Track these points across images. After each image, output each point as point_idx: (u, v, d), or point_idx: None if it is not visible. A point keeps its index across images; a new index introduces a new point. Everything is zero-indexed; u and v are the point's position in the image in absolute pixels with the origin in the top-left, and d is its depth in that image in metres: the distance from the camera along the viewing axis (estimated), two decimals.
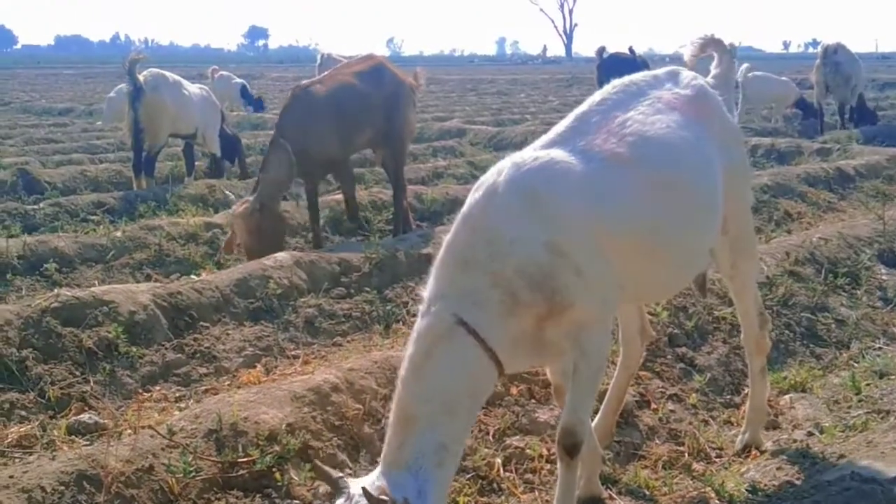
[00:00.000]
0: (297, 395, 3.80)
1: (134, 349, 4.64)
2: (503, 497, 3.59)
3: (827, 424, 4.08)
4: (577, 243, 2.80)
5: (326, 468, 2.68)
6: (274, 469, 3.41)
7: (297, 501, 3.40)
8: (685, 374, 4.70)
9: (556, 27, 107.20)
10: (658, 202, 3.03)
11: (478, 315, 2.70)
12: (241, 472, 3.37)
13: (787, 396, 4.55)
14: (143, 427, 3.57)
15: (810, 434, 4.02)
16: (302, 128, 6.94)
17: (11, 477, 3.13)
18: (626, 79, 3.41)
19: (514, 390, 4.23)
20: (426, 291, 2.83)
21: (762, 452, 3.90)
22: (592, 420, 3.82)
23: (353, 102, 7.20)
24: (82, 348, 4.53)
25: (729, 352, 4.96)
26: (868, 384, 4.50)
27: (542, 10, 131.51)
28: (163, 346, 4.80)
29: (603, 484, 3.59)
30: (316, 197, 7.41)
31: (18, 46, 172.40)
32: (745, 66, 16.30)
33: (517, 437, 3.92)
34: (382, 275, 6.06)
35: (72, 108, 22.30)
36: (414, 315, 2.96)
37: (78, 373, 4.42)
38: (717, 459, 3.98)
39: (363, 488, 2.47)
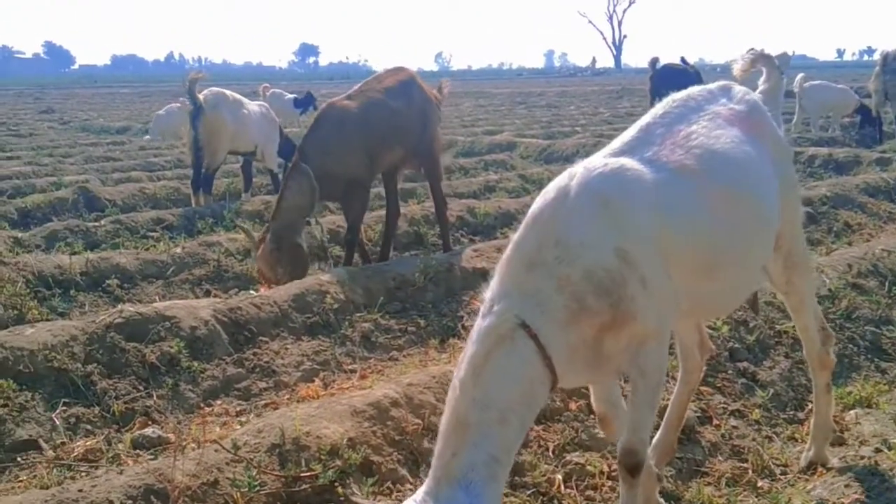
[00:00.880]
0: (358, 410, 3.82)
1: (195, 364, 4.71)
2: None
3: (895, 441, 3.98)
4: (644, 252, 2.75)
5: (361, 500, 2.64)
6: (336, 484, 3.41)
7: None
8: (747, 389, 4.62)
9: (604, 39, 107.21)
10: (722, 216, 3.01)
11: (540, 319, 2.62)
12: (304, 486, 3.39)
13: (852, 412, 4.44)
14: (207, 441, 3.62)
15: (878, 450, 3.91)
16: (328, 148, 6.64)
17: (81, 491, 3.18)
18: (685, 93, 3.40)
19: (573, 406, 4.20)
20: (488, 291, 2.76)
21: (828, 469, 3.81)
22: (653, 437, 3.80)
23: (384, 119, 6.88)
24: (145, 363, 4.61)
25: (791, 366, 4.87)
26: None
27: (590, 21, 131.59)
28: (223, 360, 4.86)
29: (666, 501, 3.55)
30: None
31: (76, 66, 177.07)
32: (800, 75, 16.08)
33: (577, 453, 3.88)
34: (437, 289, 6.08)
35: (128, 126, 22.75)
36: (470, 327, 2.91)
37: (141, 387, 4.50)
38: (781, 477, 3.90)
39: None
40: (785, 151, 3.60)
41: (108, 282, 6.54)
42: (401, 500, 3.14)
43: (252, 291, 6.15)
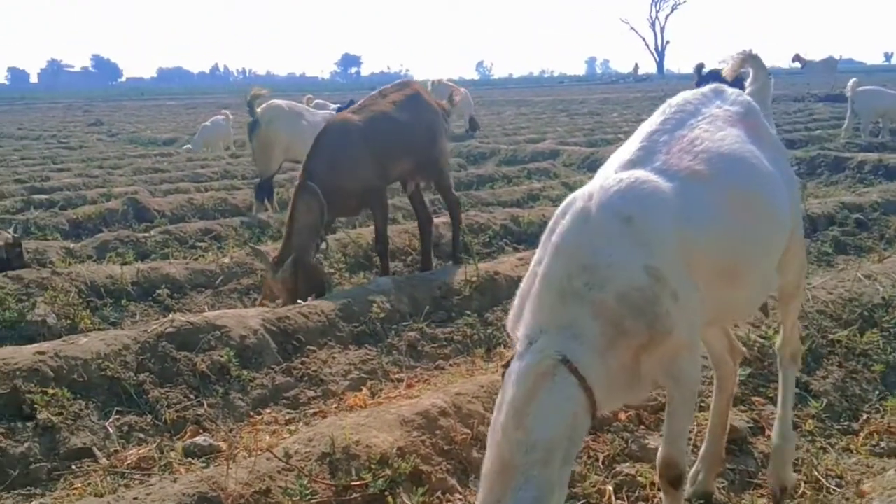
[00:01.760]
0: (407, 419, 3.83)
1: (245, 373, 4.76)
2: None
3: None
4: (672, 266, 2.68)
5: None
6: (386, 493, 3.42)
7: None
8: (800, 399, 4.53)
9: (647, 45, 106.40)
10: (739, 219, 2.94)
11: (579, 350, 2.54)
12: (355, 495, 3.40)
13: None
14: (258, 450, 3.65)
15: None
16: (336, 163, 6.56)
17: (136, 499, 3.23)
18: (680, 98, 3.34)
19: (622, 416, 4.16)
20: (520, 329, 2.66)
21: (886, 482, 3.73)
22: (699, 449, 3.76)
23: (389, 133, 6.84)
24: (196, 372, 4.67)
25: (845, 376, 4.78)
26: None
27: (632, 28, 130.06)
28: (272, 369, 4.91)
29: None
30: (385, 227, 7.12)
31: (123, 79, 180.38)
32: (853, 80, 15.83)
33: (627, 463, 3.85)
34: (483, 298, 6.08)
35: (175, 138, 23.05)
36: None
37: (192, 396, 4.56)
38: (836, 489, 3.82)
39: None
40: (781, 151, 3.52)
41: (158, 291, 6.64)
42: None
43: (299, 301, 6.18)
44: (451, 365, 5.29)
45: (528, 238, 8.72)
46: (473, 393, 4.16)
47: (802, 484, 3.82)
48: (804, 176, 11.97)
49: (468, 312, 5.89)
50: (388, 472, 3.49)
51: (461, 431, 3.87)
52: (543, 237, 2.79)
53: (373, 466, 3.50)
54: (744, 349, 3.99)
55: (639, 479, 3.71)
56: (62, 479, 3.85)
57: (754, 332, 4.95)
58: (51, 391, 4.19)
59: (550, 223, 2.79)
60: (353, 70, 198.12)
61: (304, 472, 3.42)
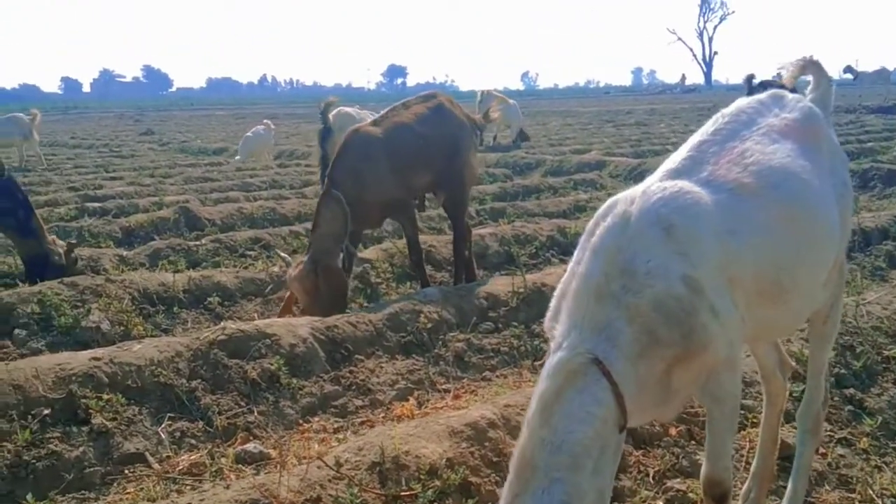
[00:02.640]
0: (455, 430, 3.83)
1: (294, 381, 4.81)
2: None
3: None
4: (712, 279, 2.62)
5: None
6: None
7: None
8: (854, 416, 4.46)
9: (694, 56, 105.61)
10: (785, 235, 2.87)
11: (612, 354, 2.49)
12: None
13: None
14: (309, 458, 3.68)
15: None
16: (356, 174, 6.53)
17: None
18: (734, 107, 3.26)
19: (672, 431, 4.13)
20: (558, 327, 2.63)
21: None
22: (751, 465, 3.70)
23: (410, 145, 6.78)
24: (247, 379, 4.72)
25: None
26: None
27: (680, 38, 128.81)
28: (321, 378, 4.95)
29: None
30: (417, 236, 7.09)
31: (173, 89, 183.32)
32: None
33: (678, 479, 3.81)
34: (530, 309, 6.07)
35: (225, 147, 23.34)
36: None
37: (243, 403, 4.61)
38: None
39: None
40: (841, 159, 3.41)
41: (209, 299, 6.74)
42: None
43: (346, 310, 6.23)
44: (497, 376, 5.29)
45: (574, 249, 8.67)
46: (522, 405, 4.14)
47: (857, 502, 3.76)
48: (857, 189, 11.77)
49: (515, 324, 5.88)
50: (438, 483, 3.50)
51: (510, 444, 3.86)
52: (583, 238, 2.77)
53: (422, 477, 3.51)
54: (794, 364, 3.92)
55: (689, 495, 3.68)
56: (115, 484, 3.91)
57: (807, 348, 4.86)
58: (105, 396, 4.27)
59: (590, 224, 2.77)
60: (399, 81, 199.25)
61: (354, 481, 3.44)
